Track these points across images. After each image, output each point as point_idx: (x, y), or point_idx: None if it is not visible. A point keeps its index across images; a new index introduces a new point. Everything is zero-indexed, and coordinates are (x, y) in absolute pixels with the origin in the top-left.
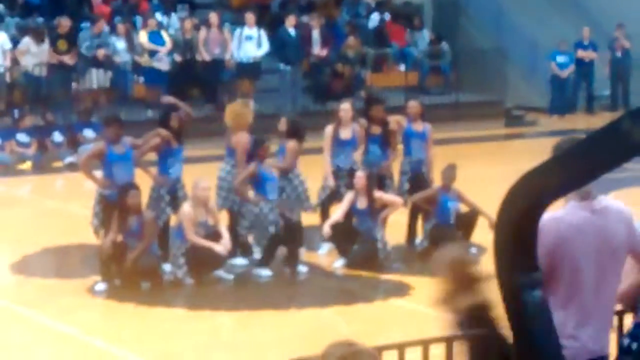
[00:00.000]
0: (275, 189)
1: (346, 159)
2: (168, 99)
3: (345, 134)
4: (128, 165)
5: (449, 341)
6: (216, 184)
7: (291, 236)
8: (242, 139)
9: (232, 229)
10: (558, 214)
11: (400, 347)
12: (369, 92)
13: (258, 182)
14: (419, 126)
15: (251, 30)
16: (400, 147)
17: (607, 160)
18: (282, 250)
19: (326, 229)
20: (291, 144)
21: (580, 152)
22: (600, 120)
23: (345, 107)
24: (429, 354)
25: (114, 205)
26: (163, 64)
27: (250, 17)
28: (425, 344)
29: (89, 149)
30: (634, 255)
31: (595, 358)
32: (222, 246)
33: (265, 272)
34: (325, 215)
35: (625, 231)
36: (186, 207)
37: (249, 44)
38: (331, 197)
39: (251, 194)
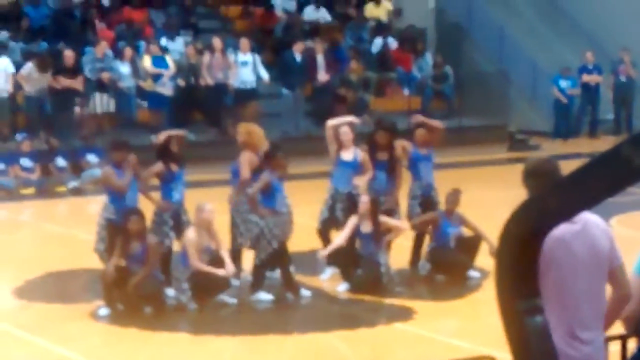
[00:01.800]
0: (283, 202)
1: (346, 182)
2: (160, 136)
3: (347, 155)
4: (133, 188)
5: None
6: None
7: (282, 259)
8: (244, 159)
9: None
10: None
11: None
12: (378, 118)
13: (268, 192)
14: (425, 150)
15: (245, 56)
16: (404, 170)
17: (609, 185)
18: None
19: (323, 253)
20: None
21: (582, 177)
22: (603, 144)
23: (345, 130)
24: None
25: (119, 230)
26: (166, 89)
27: (244, 42)
28: None
29: (94, 174)
30: (610, 270)
31: None
32: (225, 271)
33: (267, 297)
34: (325, 239)
35: (609, 246)
36: (190, 234)
37: (244, 69)
38: (329, 221)
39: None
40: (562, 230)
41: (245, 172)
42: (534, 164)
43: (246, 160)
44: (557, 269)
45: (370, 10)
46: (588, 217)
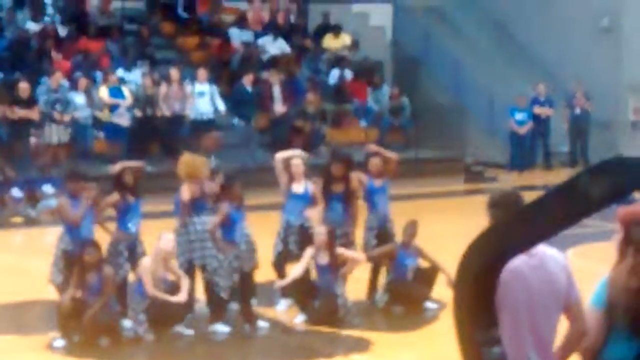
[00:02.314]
0: (242, 231)
1: (298, 214)
2: (116, 167)
3: (298, 188)
4: (89, 219)
5: None
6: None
7: (244, 288)
8: (185, 189)
9: (191, 282)
10: None
11: None
12: (333, 149)
13: (227, 225)
14: (379, 182)
15: (202, 86)
16: (360, 202)
17: (567, 217)
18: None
19: (280, 286)
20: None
21: (539, 209)
22: (558, 176)
23: (296, 162)
24: None
25: (76, 260)
26: (123, 119)
27: (202, 72)
28: None
29: (50, 205)
30: (567, 304)
31: None
32: (179, 297)
33: (224, 328)
34: (280, 271)
35: (565, 278)
36: (146, 261)
37: (201, 100)
38: (284, 253)
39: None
40: (519, 263)
41: (185, 195)
42: (498, 195)
43: (185, 189)
44: (513, 303)
45: (328, 41)
46: (545, 251)
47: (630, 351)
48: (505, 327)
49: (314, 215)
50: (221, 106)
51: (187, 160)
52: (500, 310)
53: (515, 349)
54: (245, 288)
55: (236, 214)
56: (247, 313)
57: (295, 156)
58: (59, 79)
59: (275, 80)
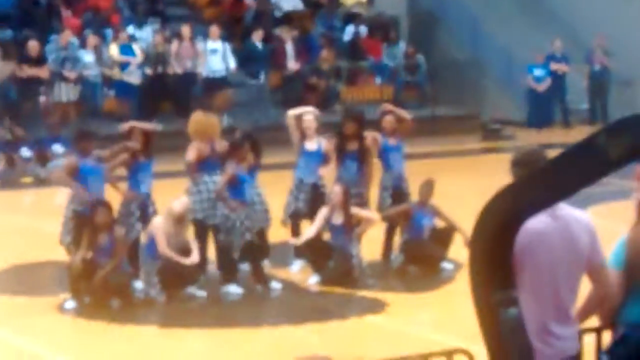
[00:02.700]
0: (252, 192)
1: (310, 172)
2: (124, 126)
3: (311, 145)
4: (99, 179)
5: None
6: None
7: (256, 248)
8: (193, 146)
9: (203, 243)
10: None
11: None
12: (346, 108)
13: (236, 185)
14: (394, 140)
15: (215, 43)
16: (376, 161)
17: (584, 176)
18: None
19: (294, 241)
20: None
21: (557, 168)
22: (578, 134)
23: (308, 119)
24: None
25: (87, 221)
26: (134, 77)
27: (214, 30)
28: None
29: (59, 164)
30: (590, 266)
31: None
32: (191, 259)
33: (236, 290)
34: (295, 229)
35: (589, 240)
36: (158, 220)
37: (214, 57)
38: (297, 211)
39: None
40: (541, 224)
41: (191, 156)
42: (522, 154)
43: (193, 148)
44: (534, 264)
45: None
46: (569, 212)
47: None
48: (526, 289)
49: (327, 174)
50: (232, 64)
51: (199, 118)
52: (521, 271)
53: (534, 311)
54: (257, 248)
55: (245, 173)
56: (258, 274)
57: (307, 113)
58: (68, 36)
59: (288, 37)
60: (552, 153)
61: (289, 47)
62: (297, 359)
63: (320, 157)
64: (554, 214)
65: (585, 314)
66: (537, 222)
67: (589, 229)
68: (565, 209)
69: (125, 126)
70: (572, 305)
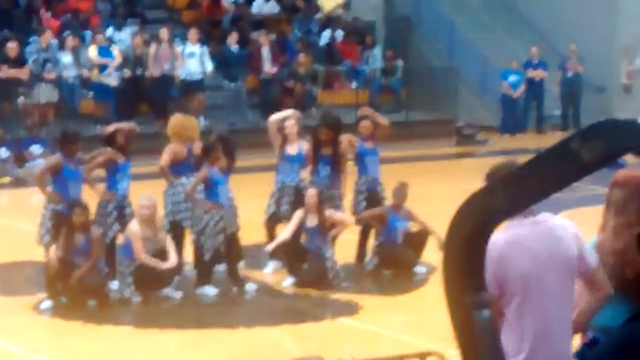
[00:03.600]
0: (226, 194)
1: (293, 175)
2: (109, 128)
3: (292, 149)
4: (79, 181)
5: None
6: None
7: (230, 253)
8: (168, 149)
9: (178, 244)
10: (497, 233)
11: None
12: (322, 112)
13: (209, 186)
14: (370, 144)
15: (193, 46)
16: (351, 164)
17: (557, 180)
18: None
19: (270, 247)
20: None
21: (530, 171)
22: (550, 139)
23: (291, 124)
24: None
25: (65, 221)
26: (112, 79)
27: (193, 33)
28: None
29: (39, 164)
30: (585, 277)
31: None
32: (169, 263)
33: (212, 291)
34: (271, 232)
35: (577, 245)
36: (134, 225)
37: (191, 60)
38: (276, 214)
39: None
40: (522, 231)
41: (163, 160)
42: (496, 166)
43: (169, 150)
44: (518, 272)
45: (322, 1)
46: (551, 217)
47: (621, 315)
48: (515, 300)
49: (307, 177)
50: (210, 67)
51: (178, 120)
52: (505, 282)
53: (520, 324)
54: (231, 250)
55: (219, 175)
56: (234, 275)
57: (290, 117)
58: (48, 38)
59: (264, 41)
60: (525, 158)
61: (265, 51)
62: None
63: (301, 161)
64: (535, 221)
65: (585, 321)
66: (510, 233)
67: (574, 234)
68: (546, 216)
69: (108, 129)
70: (571, 312)
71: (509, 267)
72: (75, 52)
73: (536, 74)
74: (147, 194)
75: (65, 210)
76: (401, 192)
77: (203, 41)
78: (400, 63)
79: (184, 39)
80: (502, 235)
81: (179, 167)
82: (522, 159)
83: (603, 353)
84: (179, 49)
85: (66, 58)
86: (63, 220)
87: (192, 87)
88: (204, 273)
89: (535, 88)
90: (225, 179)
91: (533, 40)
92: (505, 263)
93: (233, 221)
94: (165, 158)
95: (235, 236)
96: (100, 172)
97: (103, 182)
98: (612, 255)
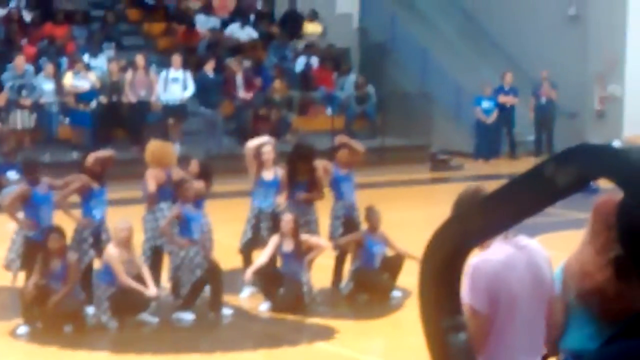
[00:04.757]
0: (199, 229)
1: (269, 201)
2: (90, 159)
3: (268, 175)
4: (50, 206)
5: None
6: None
7: (215, 278)
8: (150, 175)
9: (157, 269)
10: (486, 254)
11: None
12: (296, 139)
13: (183, 223)
14: (345, 170)
15: (177, 72)
16: (326, 190)
17: (531, 205)
18: (204, 294)
19: (248, 274)
20: (199, 185)
21: (504, 197)
22: (523, 165)
23: (267, 150)
24: None
25: (39, 247)
26: (89, 106)
27: (176, 59)
28: None
29: (12, 191)
30: (550, 297)
31: None
32: (150, 290)
33: (188, 316)
34: (247, 258)
35: (549, 270)
36: (111, 249)
37: (175, 86)
38: (253, 240)
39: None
40: (505, 255)
41: (151, 187)
42: (463, 193)
43: (151, 176)
44: (503, 295)
45: (306, 27)
46: (528, 241)
47: (589, 337)
48: (499, 318)
49: (283, 202)
50: (191, 92)
51: (156, 146)
52: (491, 305)
53: (504, 343)
54: (215, 279)
55: (192, 212)
56: (216, 302)
57: (266, 144)
58: (22, 64)
59: (238, 68)
60: (499, 184)
61: (239, 77)
62: None
63: (277, 186)
64: (518, 245)
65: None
66: (501, 253)
67: (548, 260)
68: (524, 240)
69: (89, 159)
70: (542, 338)
71: (501, 287)
72: (54, 78)
73: (507, 99)
74: (124, 219)
75: (38, 236)
76: (374, 215)
77: (184, 67)
78: (372, 89)
79: (160, 65)
80: (496, 255)
81: (158, 193)
82: (495, 184)
83: None
84: (155, 75)
85: (45, 84)
86: (36, 247)
87: (174, 112)
88: (183, 300)
89: (506, 114)
90: (201, 204)
91: (506, 67)
92: (498, 282)
93: (209, 248)
94: (151, 184)
95: (215, 264)
96: (76, 199)
97: (78, 209)
98: (576, 271)
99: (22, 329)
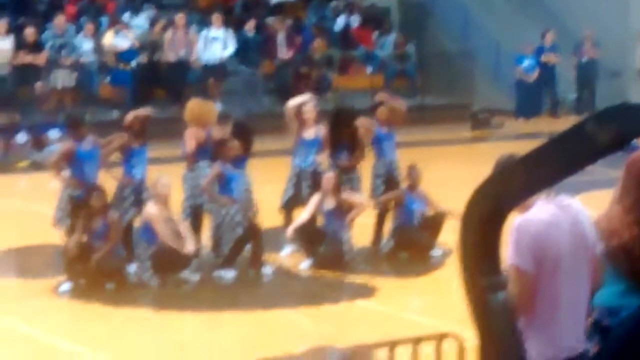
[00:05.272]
0: (240, 188)
1: (310, 160)
2: (127, 117)
3: (309, 134)
4: (94, 163)
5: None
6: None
7: (255, 236)
8: (190, 134)
9: (197, 227)
10: (529, 214)
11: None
12: (339, 106)
13: (223, 182)
14: (387, 129)
15: (217, 31)
16: (367, 149)
17: (572, 162)
18: (245, 252)
19: (289, 232)
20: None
21: (545, 155)
22: (564, 123)
23: (308, 108)
24: (395, 353)
25: (82, 206)
26: (129, 65)
27: (217, 18)
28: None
29: (56, 149)
30: (592, 260)
31: (574, 356)
32: (189, 247)
33: (229, 274)
34: (288, 216)
35: (593, 230)
36: (151, 208)
37: (216, 44)
38: (294, 198)
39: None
40: (547, 213)
41: (190, 146)
42: (502, 158)
43: (191, 135)
44: (546, 255)
45: None
46: (570, 201)
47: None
48: (543, 279)
49: (324, 161)
50: (231, 51)
51: (196, 105)
52: (539, 259)
53: (547, 304)
54: (256, 237)
55: (232, 171)
56: (256, 260)
57: (307, 102)
58: (62, 23)
59: (280, 27)
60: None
61: (281, 37)
62: (308, 348)
63: (318, 145)
64: (561, 204)
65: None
66: (545, 213)
67: (590, 219)
68: (566, 199)
69: (128, 117)
70: (586, 297)
71: (545, 246)
72: (94, 37)
73: (549, 58)
74: (162, 177)
75: (81, 195)
76: (414, 174)
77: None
78: (412, 48)
79: (200, 25)
80: (540, 214)
81: (198, 152)
82: (535, 143)
83: (621, 338)
84: (195, 34)
85: (85, 43)
86: (80, 205)
87: (214, 71)
88: (225, 258)
89: (548, 72)
90: (242, 164)
91: (547, 25)
92: (542, 241)
93: (250, 208)
94: (190, 143)
95: (255, 222)
96: (116, 157)
97: (120, 167)
98: (604, 229)
99: (65, 287)
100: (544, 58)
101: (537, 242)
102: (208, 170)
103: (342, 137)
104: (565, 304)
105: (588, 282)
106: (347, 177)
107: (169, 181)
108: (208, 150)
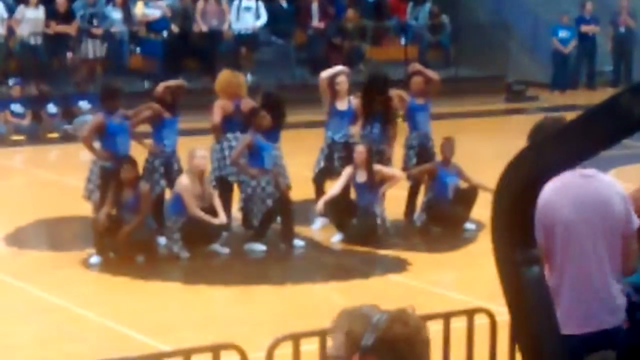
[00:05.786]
0: (271, 159)
1: (342, 131)
2: (159, 88)
3: (342, 105)
4: (126, 135)
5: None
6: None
7: (286, 209)
8: (217, 105)
9: (226, 200)
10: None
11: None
12: (370, 68)
13: (254, 152)
14: (421, 100)
15: (249, 1)
16: (399, 121)
17: (608, 136)
18: (276, 225)
19: (321, 204)
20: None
21: (579, 128)
22: (601, 96)
23: (341, 80)
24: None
25: (112, 177)
26: (160, 35)
27: None
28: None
29: (86, 120)
30: (626, 232)
31: (598, 330)
32: (219, 220)
33: (260, 247)
34: (320, 188)
35: (623, 204)
36: (184, 180)
37: (248, 14)
38: (326, 170)
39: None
40: (561, 180)
41: (216, 118)
42: (540, 121)
43: (218, 107)
44: (564, 219)
45: None
46: (599, 173)
47: None
48: (557, 251)
49: (357, 132)
50: (264, 21)
51: (226, 76)
52: (549, 228)
53: (566, 278)
54: (286, 210)
55: (264, 141)
56: (287, 233)
57: (340, 73)
58: None
59: None
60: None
61: (314, 7)
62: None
63: (351, 116)
64: (583, 173)
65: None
66: (564, 178)
67: (622, 195)
68: (594, 171)
69: (158, 89)
70: (613, 273)
71: (555, 214)
72: (125, 7)
73: (589, 29)
74: (199, 148)
75: (112, 167)
76: (448, 146)
77: None
78: (446, 19)
79: None
80: (549, 183)
81: (226, 124)
82: (571, 116)
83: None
84: (227, 4)
85: (115, 14)
86: (111, 177)
87: (246, 41)
88: (255, 232)
89: (587, 44)
90: (274, 136)
91: None
92: (551, 209)
93: (282, 180)
94: (217, 115)
95: (286, 194)
96: (147, 128)
97: (150, 139)
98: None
99: (95, 259)
100: (584, 29)
101: (545, 210)
102: (234, 143)
103: (375, 106)
104: (587, 280)
105: (616, 257)
106: (379, 148)
107: (205, 153)
108: (236, 122)
